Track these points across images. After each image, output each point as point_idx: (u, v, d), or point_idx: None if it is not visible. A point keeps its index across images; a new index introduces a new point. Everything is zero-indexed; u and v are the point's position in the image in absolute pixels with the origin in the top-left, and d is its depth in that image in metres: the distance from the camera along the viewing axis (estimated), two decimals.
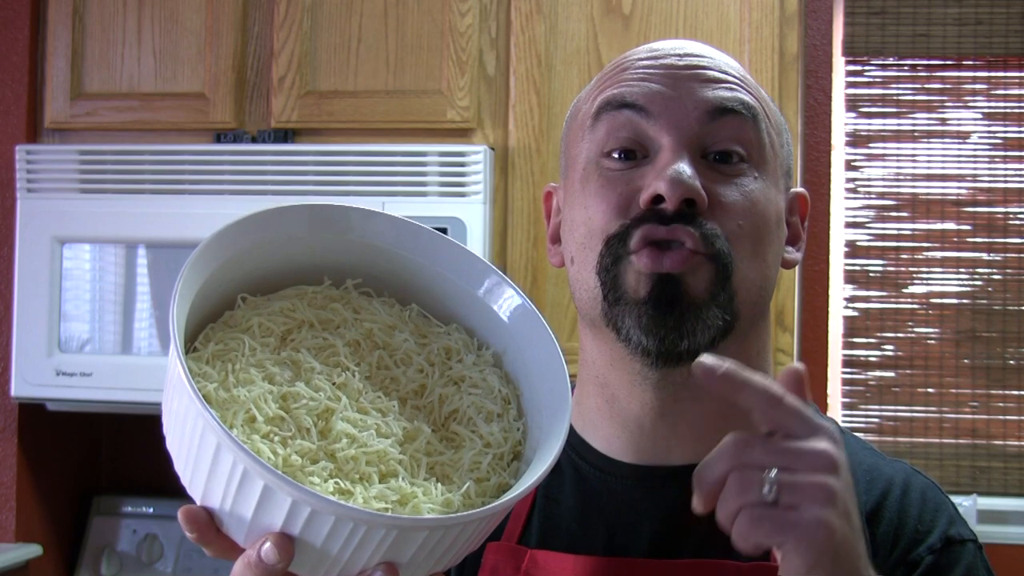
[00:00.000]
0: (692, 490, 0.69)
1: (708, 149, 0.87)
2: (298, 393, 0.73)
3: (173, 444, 0.71)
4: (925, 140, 2.66)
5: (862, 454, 0.93)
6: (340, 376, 0.76)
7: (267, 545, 0.66)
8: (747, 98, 0.88)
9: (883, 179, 2.67)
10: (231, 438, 0.64)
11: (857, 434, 1.00)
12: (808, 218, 0.98)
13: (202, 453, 0.67)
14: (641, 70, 0.89)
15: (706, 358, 0.69)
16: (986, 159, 2.64)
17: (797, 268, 2.43)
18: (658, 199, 0.84)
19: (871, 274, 2.66)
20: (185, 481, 0.71)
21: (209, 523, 0.69)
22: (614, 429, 0.92)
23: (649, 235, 0.84)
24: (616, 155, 0.88)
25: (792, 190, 0.95)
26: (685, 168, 0.84)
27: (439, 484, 0.72)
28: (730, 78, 0.89)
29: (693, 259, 0.84)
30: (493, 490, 0.74)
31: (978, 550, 0.89)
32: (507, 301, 0.82)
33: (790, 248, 0.94)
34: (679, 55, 0.89)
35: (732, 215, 0.86)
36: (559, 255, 0.95)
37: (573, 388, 0.99)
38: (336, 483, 0.69)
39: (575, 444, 0.94)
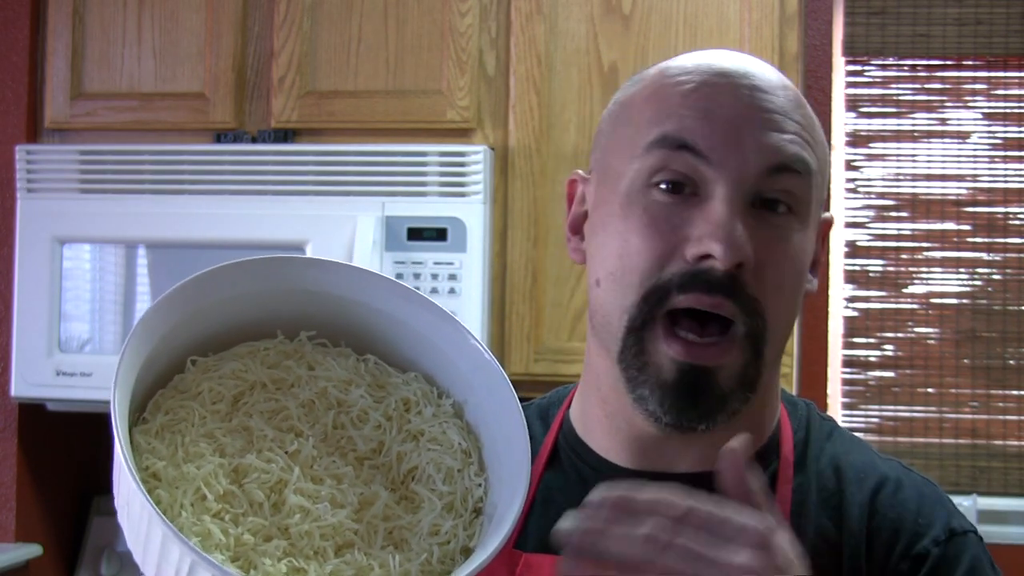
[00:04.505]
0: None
1: (758, 196, 0.85)
2: (250, 466, 0.71)
3: (123, 522, 0.71)
4: (925, 140, 2.66)
5: (856, 453, 0.93)
6: (293, 444, 0.74)
7: None
8: (807, 155, 0.86)
9: (883, 179, 2.67)
10: (177, 534, 0.64)
11: (857, 434, 1.00)
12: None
13: (150, 541, 0.67)
14: (704, 100, 0.85)
15: (566, 520, 0.66)
16: (986, 159, 2.64)
17: None
18: (707, 256, 0.82)
19: (871, 274, 2.66)
20: (137, 559, 0.70)
21: None
22: (615, 441, 0.91)
23: (693, 304, 0.82)
24: (664, 186, 0.85)
25: (822, 216, 0.92)
26: (740, 229, 0.82)
27: (396, 554, 0.71)
28: (792, 124, 0.86)
29: (729, 350, 0.83)
30: (453, 553, 0.72)
31: (980, 540, 0.89)
32: (467, 350, 0.80)
33: (809, 275, 0.91)
34: (747, 86, 0.85)
35: (774, 276, 0.84)
36: (581, 252, 0.92)
37: (576, 387, 0.98)
38: (289, 562, 0.68)
39: (575, 445, 0.94)
